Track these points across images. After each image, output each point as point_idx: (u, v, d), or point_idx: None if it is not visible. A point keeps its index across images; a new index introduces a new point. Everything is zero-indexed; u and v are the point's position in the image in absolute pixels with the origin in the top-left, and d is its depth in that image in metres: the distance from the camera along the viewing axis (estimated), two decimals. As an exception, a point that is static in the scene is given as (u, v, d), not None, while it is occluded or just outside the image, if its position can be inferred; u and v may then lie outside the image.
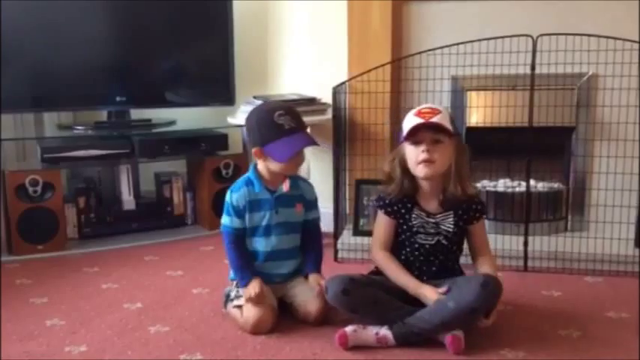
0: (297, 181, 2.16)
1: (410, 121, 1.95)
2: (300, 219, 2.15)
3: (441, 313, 1.84)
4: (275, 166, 2.04)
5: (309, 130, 2.99)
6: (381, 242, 2.07)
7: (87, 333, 2.01)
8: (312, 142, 2.08)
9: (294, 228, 2.15)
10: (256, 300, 1.99)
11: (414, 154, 1.95)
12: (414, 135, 1.93)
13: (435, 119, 1.91)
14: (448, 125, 1.93)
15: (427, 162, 1.92)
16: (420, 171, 1.95)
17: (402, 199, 2.02)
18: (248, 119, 2.09)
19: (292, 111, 2.07)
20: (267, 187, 2.10)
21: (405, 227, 2.04)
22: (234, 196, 2.09)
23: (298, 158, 2.06)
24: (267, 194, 2.09)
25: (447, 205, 2.00)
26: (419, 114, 1.94)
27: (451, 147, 1.95)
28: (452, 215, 2.00)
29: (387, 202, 2.04)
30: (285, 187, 2.10)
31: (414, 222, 2.01)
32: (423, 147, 1.92)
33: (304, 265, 2.17)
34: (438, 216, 2.01)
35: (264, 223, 2.09)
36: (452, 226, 2.00)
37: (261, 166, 2.09)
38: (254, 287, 2.02)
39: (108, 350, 1.89)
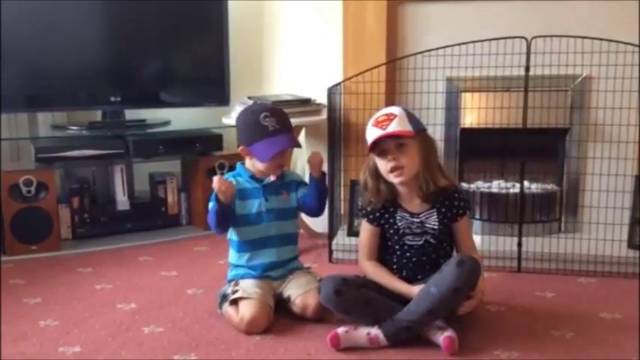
0: (283, 172, 2.21)
1: (370, 132, 1.95)
2: (288, 205, 2.19)
3: (426, 301, 1.84)
4: (260, 165, 2.12)
5: (303, 131, 3.05)
6: (368, 252, 2.08)
7: (81, 333, 2.01)
8: (295, 144, 2.18)
9: (284, 215, 2.18)
10: (223, 184, 1.99)
11: (382, 164, 1.97)
12: (377, 146, 1.94)
13: (392, 126, 1.91)
14: (407, 127, 1.93)
15: (396, 169, 1.94)
16: (392, 179, 1.97)
17: (384, 204, 2.03)
18: (237, 119, 2.20)
19: (278, 113, 2.12)
20: (255, 177, 2.16)
21: (391, 231, 2.04)
22: None
23: (282, 159, 2.14)
24: (256, 184, 2.16)
25: (429, 199, 2.00)
26: (376, 124, 1.95)
27: (417, 145, 1.96)
28: (435, 213, 2.01)
29: (369, 209, 2.06)
30: (273, 176, 2.16)
31: (400, 224, 2.02)
32: (389, 157, 1.94)
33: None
34: (422, 215, 2.02)
35: (254, 210, 2.14)
36: (437, 224, 2.01)
37: (248, 163, 2.18)
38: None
39: (102, 351, 1.89)
